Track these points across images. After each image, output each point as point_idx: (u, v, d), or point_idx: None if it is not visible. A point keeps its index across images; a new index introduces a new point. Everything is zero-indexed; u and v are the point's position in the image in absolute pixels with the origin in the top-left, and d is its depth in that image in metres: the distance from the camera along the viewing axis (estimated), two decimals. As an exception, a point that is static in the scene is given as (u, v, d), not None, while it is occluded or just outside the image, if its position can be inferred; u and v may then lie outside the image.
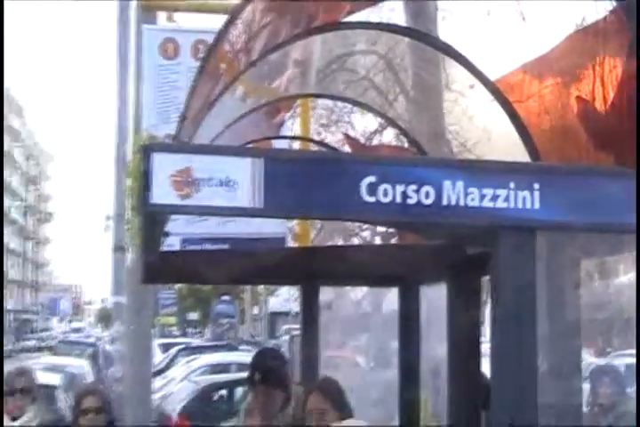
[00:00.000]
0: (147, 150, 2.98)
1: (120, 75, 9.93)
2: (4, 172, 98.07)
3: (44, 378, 14.70)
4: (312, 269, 6.11)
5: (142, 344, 11.33)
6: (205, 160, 3.02)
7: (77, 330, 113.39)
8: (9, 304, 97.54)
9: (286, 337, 58.91)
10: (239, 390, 16.17)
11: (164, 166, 2.95)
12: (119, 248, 10.21)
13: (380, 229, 24.06)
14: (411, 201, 3.26)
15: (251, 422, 5.87)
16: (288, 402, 5.50)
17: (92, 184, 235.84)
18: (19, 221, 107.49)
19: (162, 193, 2.94)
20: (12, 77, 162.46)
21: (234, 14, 4.02)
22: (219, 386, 16.34)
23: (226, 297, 55.92)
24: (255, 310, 57.24)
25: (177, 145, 3.26)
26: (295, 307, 59.88)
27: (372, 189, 3.20)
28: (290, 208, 3.18)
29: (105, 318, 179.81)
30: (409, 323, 6.38)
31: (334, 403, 5.14)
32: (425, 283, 6.32)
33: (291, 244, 9.51)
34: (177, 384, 18.72)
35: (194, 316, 68.19)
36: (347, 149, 8.68)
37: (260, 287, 52.05)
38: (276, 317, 60.35)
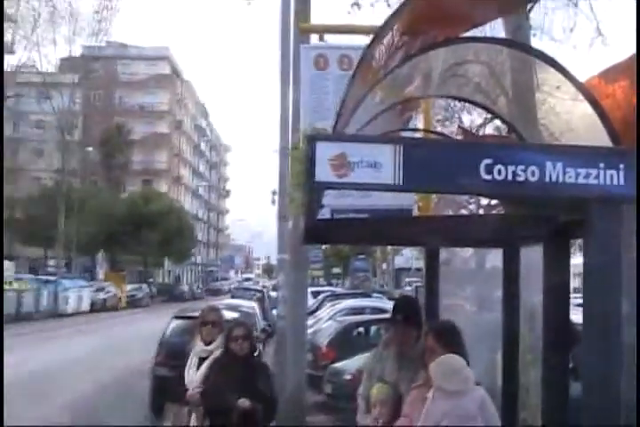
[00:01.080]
0: (311, 140, 2.97)
1: (282, 82, 9.97)
2: (194, 159, 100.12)
3: (226, 315, 15.00)
4: (435, 234, 6.00)
5: (299, 291, 11.39)
6: (357, 147, 3.01)
7: (248, 279, 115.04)
8: (197, 259, 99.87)
9: (408, 288, 58.81)
10: (374, 328, 16.17)
11: (325, 152, 2.94)
12: (283, 217, 10.26)
13: (484, 202, 23.74)
14: (519, 178, 3.23)
15: (387, 352, 5.80)
16: (419, 339, 5.41)
17: (259, 167, 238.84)
18: (204, 196, 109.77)
19: (323, 173, 2.94)
20: (200, 85, 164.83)
21: (377, 36, 3.99)
22: (358, 325, 16.31)
23: (361, 255, 56.01)
24: (384, 266, 57.15)
25: (334, 135, 3.25)
26: (416, 264, 59.69)
27: (489, 169, 3.16)
28: (424, 184, 3.17)
29: (268, 270, 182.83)
30: (511, 277, 6.23)
31: (445, 343, 4.95)
32: (525, 245, 6.15)
33: (416, 214, 9.42)
34: (324, 323, 18.76)
35: (336, 270, 68.61)
36: (459, 138, 8.56)
37: (389, 248, 51.90)
38: (400, 271, 60.18)
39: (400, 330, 5.65)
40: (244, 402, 6.16)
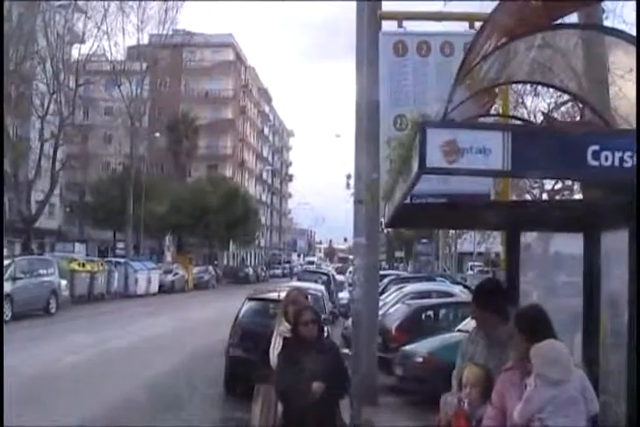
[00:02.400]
0: (422, 126, 2.99)
1: (357, 68, 9.92)
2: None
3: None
4: (516, 219, 5.96)
5: (372, 274, 11.42)
6: (467, 133, 3.00)
7: (311, 263, 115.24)
8: (261, 242, 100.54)
9: (471, 272, 58.40)
10: (442, 312, 16.14)
11: (436, 138, 2.95)
12: (359, 201, 10.27)
13: (547, 186, 23.39)
14: (626, 165, 3.15)
15: (478, 334, 5.70)
16: (506, 322, 5.33)
17: (322, 152, 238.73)
18: (268, 181, 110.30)
19: (434, 159, 2.95)
20: (262, 70, 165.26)
21: (476, 37, 4.00)
22: (426, 308, 16.30)
23: (424, 239, 55.71)
24: (446, 250, 56.80)
25: (445, 122, 3.25)
26: (478, 248, 59.25)
27: (596, 155, 3.11)
28: (532, 170, 3.15)
29: (330, 254, 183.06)
30: (592, 262, 6.15)
31: (533, 328, 4.83)
32: (607, 231, 6.06)
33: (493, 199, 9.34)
34: (390, 306, 18.72)
35: (399, 254, 68.44)
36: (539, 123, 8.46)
37: (451, 232, 51.63)
38: (462, 256, 59.80)
39: (483, 313, 5.62)
40: (319, 386, 6.15)
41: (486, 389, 5.06)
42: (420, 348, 13.12)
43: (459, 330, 13.37)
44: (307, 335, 6.36)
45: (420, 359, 12.70)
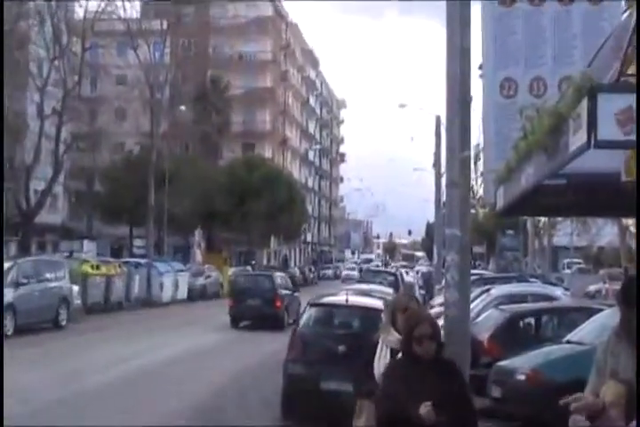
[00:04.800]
0: (592, 91, 2.96)
1: (449, 23, 9.82)
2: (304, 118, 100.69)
3: (363, 302, 15.17)
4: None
5: (464, 274, 11.38)
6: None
7: (368, 261, 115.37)
8: (308, 237, 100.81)
9: (567, 270, 57.91)
10: (545, 319, 16.06)
11: (609, 106, 2.92)
12: (453, 184, 10.21)
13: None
14: None
15: (620, 344, 5.67)
16: None
17: (382, 126, 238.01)
18: (315, 162, 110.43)
19: (607, 130, 2.93)
20: (307, 28, 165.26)
21: None
22: (525, 314, 16.21)
23: (509, 231, 55.44)
24: (537, 244, 56.37)
25: (621, 85, 3.22)
26: (577, 241, 58.76)
27: None
28: None
29: (390, 249, 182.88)
30: None
31: None
32: None
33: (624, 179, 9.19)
34: (477, 311, 18.65)
35: (478, 249, 67.97)
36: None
37: (543, 221, 51.29)
38: (557, 250, 59.34)
39: (630, 318, 5.57)
40: (428, 411, 5.89)
41: (632, 410, 5.02)
42: (521, 363, 13.07)
43: (568, 341, 13.33)
44: (422, 354, 6.24)
45: (523, 377, 12.65)
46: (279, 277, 35.28)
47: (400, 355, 6.69)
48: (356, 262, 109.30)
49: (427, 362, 6.15)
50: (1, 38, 35.82)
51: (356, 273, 70.97)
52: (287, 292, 33.29)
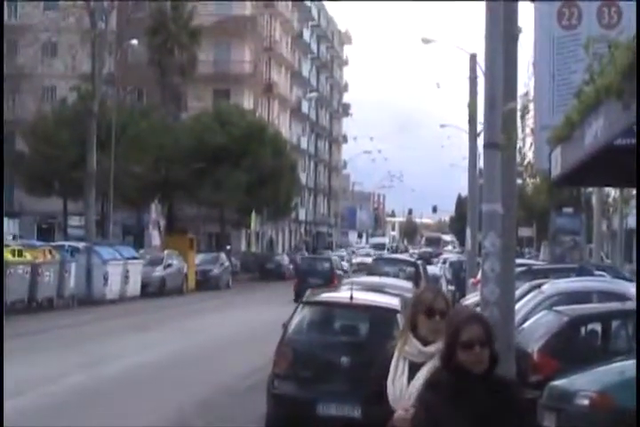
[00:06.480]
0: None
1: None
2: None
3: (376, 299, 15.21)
4: None
5: (507, 264, 11.42)
6: None
7: (379, 246, 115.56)
8: (300, 214, 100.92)
9: (645, 261, 57.94)
10: (616, 325, 16.06)
11: None
12: (492, 145, 10.18)
13: None
14: None
15: None
16: None
17: (395, 67, 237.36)
18: (310, 115, 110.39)
19: None
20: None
21: None
22: (589, 319, 16.18)
23: (567, 209, 55.41)
24: (604, 226, 56.41)
25: None
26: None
27: None
28: None
29: (409, 232, 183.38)
30: None
31: None
32: None
33: None
34: (524, 313, 18.67)
35: (526, 232, 68.13)
36: None
37: (613, 196, 51.29)
38: (632, 234, 59.33)
39: None
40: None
41: None
42: (584, 384, 13.05)
43: (646, 355, 13.35)
44: (470, 367, 6.25)
45: (586, 402, 12.65)
46: (335, 260, 60.45)
47: (426, 369, 6.70)
48: (377, 245, 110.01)
49: (477, 378, 6.15)
50: (1, 38, 35.83)
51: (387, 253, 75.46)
52: (340, 272, 54.56)
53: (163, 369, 22.35)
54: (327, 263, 54.95)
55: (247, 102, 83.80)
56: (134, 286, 45.91)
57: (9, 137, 65.59)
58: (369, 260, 73.85)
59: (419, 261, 41.05)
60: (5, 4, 60.68)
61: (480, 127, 28.80)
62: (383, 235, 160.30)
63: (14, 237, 50.35)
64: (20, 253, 36.28)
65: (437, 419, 6.09)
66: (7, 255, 34.95)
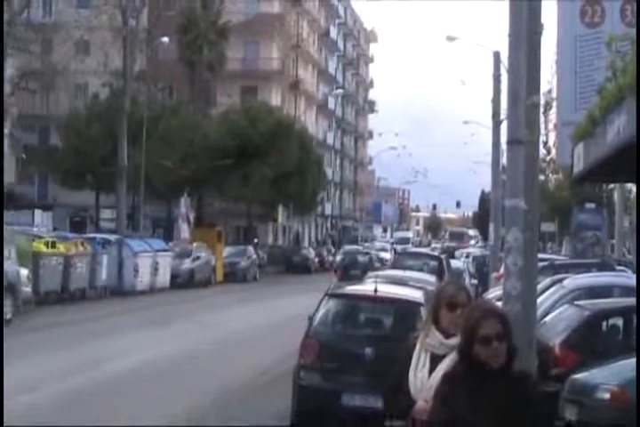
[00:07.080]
0: None
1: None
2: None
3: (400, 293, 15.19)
4: None
5: (529, 259, 11.35)
6: None
7: (403, 240, 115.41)
8: (327, 209, 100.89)
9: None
10: (635, 319, 15.96)
11: None
12: (516, 142, 10.02)
13: None
14: None
15: None
16: None
17: (426, 64, 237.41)
18: (336, 112, 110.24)
19: None
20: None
21: None
22: (611, 313, 16.11)
23: (590, 204, 55.15)
24: (626, 222, 56.12)
25: None
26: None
27: None
28: None
29: (433, 226, 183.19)
30: None
31: None
32: None
33: None
34: (546, 308, 18.63)
35: (548, 226, 67.85)
36: None
37: (634, 194, 51.03)
38: (652, 229, 59.05)
39: None
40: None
41: None
42: (605, 377, 12.98)
43: (667, 349, 13.27)
44: (488, 361, 6.15)
45: (606, 395, 12.58)
46: (375, 254, 72.21)
47: (448, 361, 6.68)
48: (402, 240, 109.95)
49: (494, 372, 6.06)
50: (1, 38, 36.00)
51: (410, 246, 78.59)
52: (379, 265, 59.94)
53: (185, 361, 22.29)
54: (367, 257, 65.18)
55: (274, 99, 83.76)
56: (164, 278, 46.06)
57: (43, 132, 65.97)
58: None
59: (442, 256, 41.03)
60: (40, 2, 60.90)
61: (503, 123, 28.72)
62: (407, 229, 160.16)
63: (53, 229, 50.32)
64: (54, 245, 36.50)
65: (455, 413, 6.04)
66: (41, 247, 35.23)
